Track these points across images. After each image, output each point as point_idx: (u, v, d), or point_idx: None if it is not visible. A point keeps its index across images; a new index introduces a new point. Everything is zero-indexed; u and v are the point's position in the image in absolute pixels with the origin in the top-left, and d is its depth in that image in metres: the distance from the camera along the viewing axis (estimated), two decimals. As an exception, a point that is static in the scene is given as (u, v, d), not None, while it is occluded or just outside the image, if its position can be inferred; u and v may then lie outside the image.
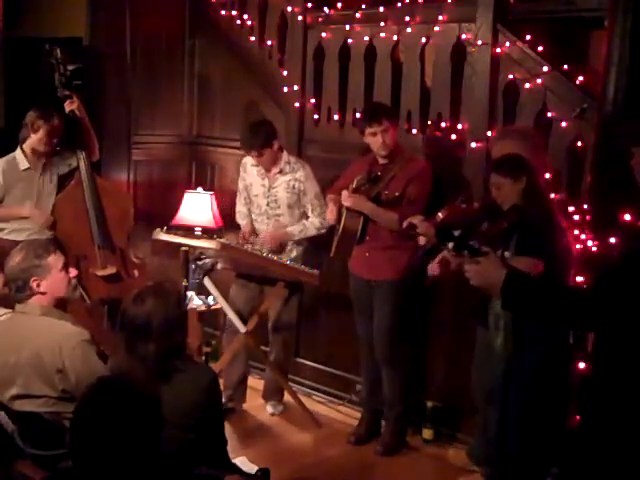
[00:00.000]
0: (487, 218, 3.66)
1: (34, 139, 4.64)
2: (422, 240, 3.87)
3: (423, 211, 4.17)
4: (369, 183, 4.29)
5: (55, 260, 3.14)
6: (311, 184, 4.69)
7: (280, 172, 4.70)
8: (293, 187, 4.68)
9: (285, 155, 4.72)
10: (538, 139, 3.89)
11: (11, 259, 3.12)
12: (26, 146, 4.68)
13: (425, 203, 4.26)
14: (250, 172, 4.82)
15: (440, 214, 3.78)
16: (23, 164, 4.68)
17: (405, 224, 3.92)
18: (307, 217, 4.73)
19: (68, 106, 4.70)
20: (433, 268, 3.83)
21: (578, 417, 3.22)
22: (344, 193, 4.28)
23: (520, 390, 3.44)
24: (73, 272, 3.24)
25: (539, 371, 3.41)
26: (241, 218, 4.90)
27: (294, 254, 4.75)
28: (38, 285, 3.08)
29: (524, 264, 3.25)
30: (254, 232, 4.80)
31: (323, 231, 4.70)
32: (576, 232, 3.77)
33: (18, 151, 4.71)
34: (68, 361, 2.93)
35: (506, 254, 3.39)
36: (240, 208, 4.92)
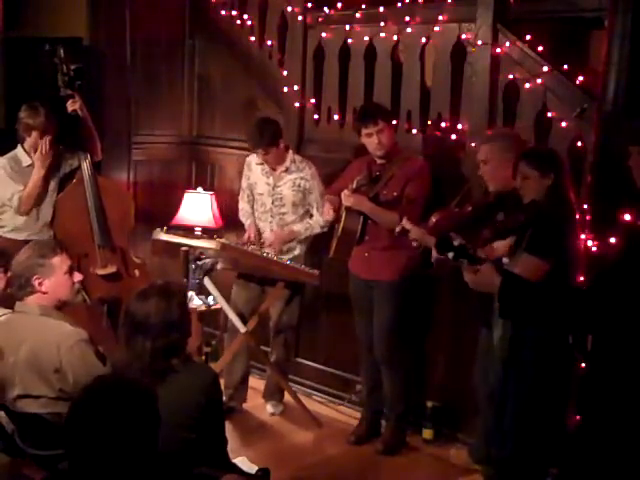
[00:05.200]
0: (502, 209, 3.65)
1: (30, 141, 4.66)
2: (415, 244, 3.87)
3: (422, 210, 4.18)
4: (369, 184, 4.29)
5: (60, 262, 3.16)
6: (317, 183, 4.71)
7: (286, 170, 4.71)
8: (299, 185, 4.69)
9: (291, 154, 4.74)
10: (521, 141, 3.88)
11: (18, 256, 3.17)
12: (26, 145, 4.69)
13: (424, 202, 4.26)
14: (254, 170, 4.82)
15: (433, 218, 3.79)
16: (25, 161, 4.69)
17: (398, 229, 3.94)
18: (311, 215, 4.74)
19: (71, 106, 4.70)
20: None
21: (577, 417, 3.22)
22: (344, 193, 4.29)
23: (518, 390, 3.43)
24: (78, 277, 3.26)
25: (538, 371, 3.40)
26: (245, 217, 4.90)
27: (297, 252, 4.75)
28: (40, 284, 3.10)
29: (528, 264, 3.24)
30: (259, 233, 4.80)
31: (326, 229, 4.72)
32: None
33: (19, 149, 4.72)
34: (65, 361, 2.94)
35: (504, 260, 3.37)
36: (243, 205, 4.91)
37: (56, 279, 3.13)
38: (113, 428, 1.95)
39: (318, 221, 4.71)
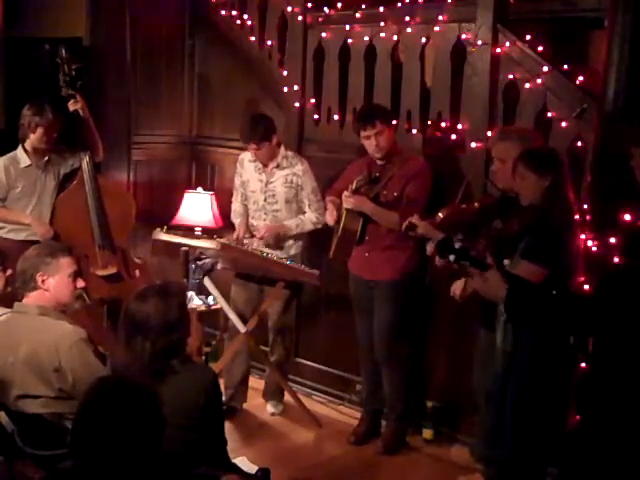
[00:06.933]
0: (500, 214, 3.63)
1: (33, 138, 4.65)
2: (429, 249, 3.81)
3: (423, 210, 4.17)
4: (369, 184, 4.28)
5: (67, 264, 3.19)
6: (309, 179, 4.70)
7: (277, 167, 4.70)
8: (291, 182, 4.68)
9: (282, 150, 4.73)
10: (538, 141, 3.87)
11: (27, 253, 3.20)
12: (27, 145, 4.69)
13: (425, 202, 4.26)
14: (247, 168, 4.82)
15: (440, 214, 3.78)
16: (24, 161, 4.69)
17: (405, 224, 3.92)
18: (303, 212, 4.73)
19: (72, 105, 4.70)
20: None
21: (577, 417, 3.22)
22: (344, 194, 4.28)
23: (518, 390, 3.43)
24: (81, 283, 3.27)
25: (538, 371, 3.40)
26: (235, 217, 4.89)
27: (293, 251, 4.75)
28: (43, 281, 3.12)
29: (526, 270, 3.22)
30: (248, 231, 4.78)
31: (319, 226, 4.70)
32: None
33: (19, 149, 4.72)
34: (65, 360, 2.94)
35: (505, 262, 3.35)
36: (236, 206, 4.91)
37: (60, 279, 3.15)
38: (120, 430, 1.96)
39: (310, 218, 4.69)
